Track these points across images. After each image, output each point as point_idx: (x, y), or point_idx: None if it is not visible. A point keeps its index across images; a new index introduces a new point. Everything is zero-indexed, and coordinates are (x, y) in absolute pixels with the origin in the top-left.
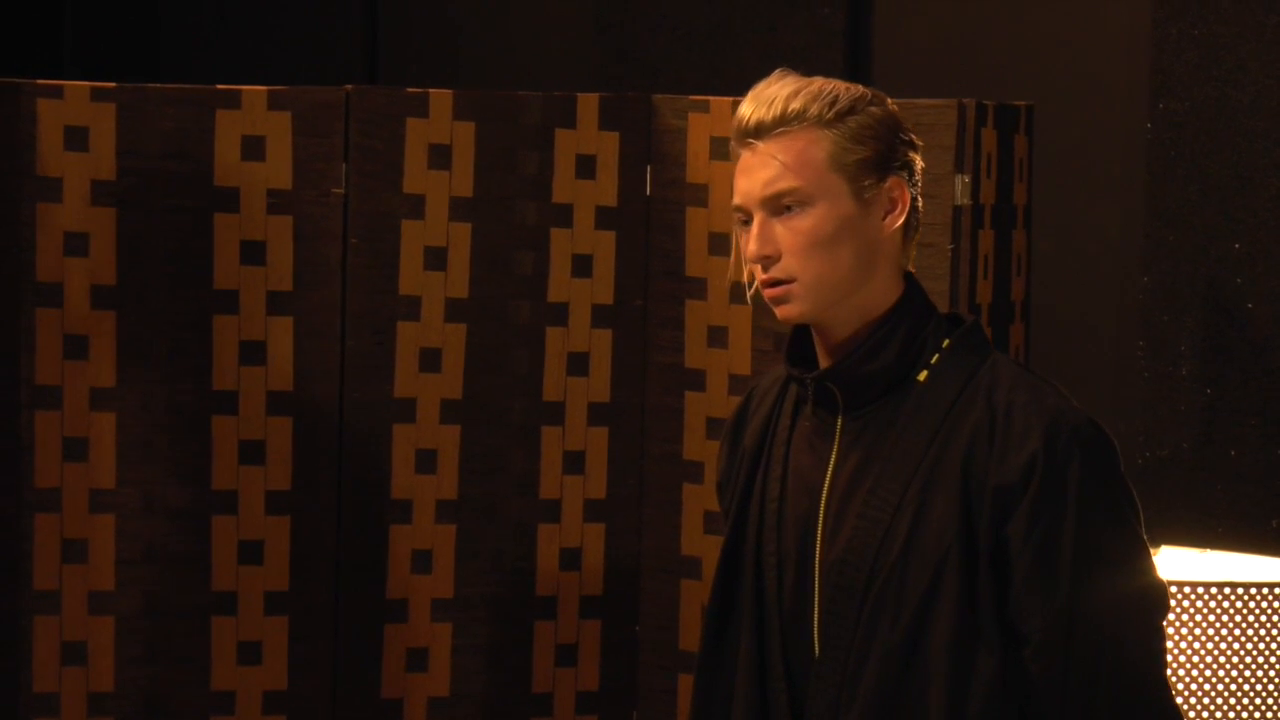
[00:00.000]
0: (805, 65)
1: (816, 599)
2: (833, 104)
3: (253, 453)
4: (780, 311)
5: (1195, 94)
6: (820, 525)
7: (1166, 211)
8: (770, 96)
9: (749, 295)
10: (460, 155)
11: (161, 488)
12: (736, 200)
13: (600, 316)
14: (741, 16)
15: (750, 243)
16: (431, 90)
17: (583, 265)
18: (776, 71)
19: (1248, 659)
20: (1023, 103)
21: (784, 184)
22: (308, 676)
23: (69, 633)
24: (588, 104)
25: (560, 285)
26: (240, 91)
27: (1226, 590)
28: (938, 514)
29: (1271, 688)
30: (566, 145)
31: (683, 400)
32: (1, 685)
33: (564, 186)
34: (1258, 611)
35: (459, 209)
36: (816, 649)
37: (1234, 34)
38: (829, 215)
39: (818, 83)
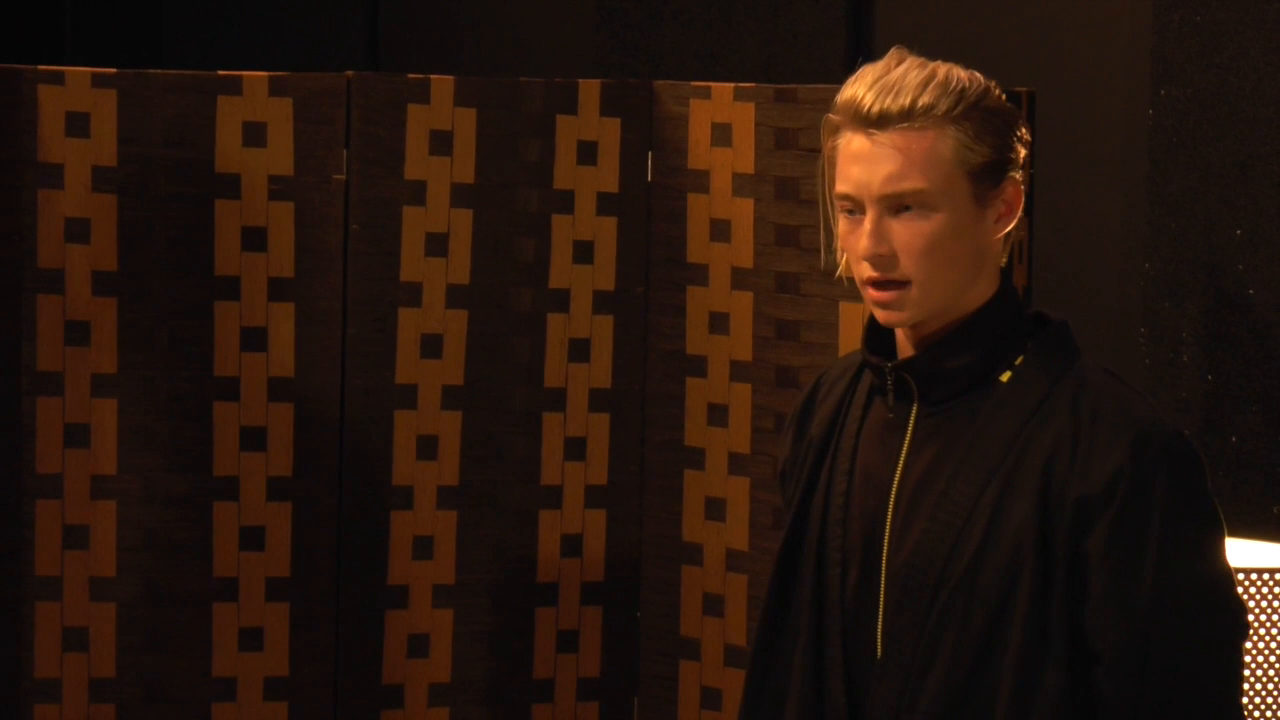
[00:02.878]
0: (807, 52)
1: (881, 599)
2: (960, 98)
3: (254, 439)
4: (886, 316)
5: (1197, 81)
6: (889, 524)
7: (1168, 198)
8: (894, 84)
9: (840, 275)
10: (462, 142)
11: (163, 474)
12: (847, 189)
13: (601, 303)
14: (743, 3)
15: (863, 239)
16: (433, 76)
17: (584, 252)
18: (893, 52)
19: (1249, 645)
20: (1024, 89)
21: (909, 184)
22: (309, 663)
23: (70, 619)
24: (589, 90)
25: (561, 272)
26: (241, 78)
27: None
28: (1014, 521)
29: (1274, 673)
30: (568, 131)
31: (684, 386)
32: (3, 671)
33: (565, 173)
34: (1259, 598)
35: (460, 195)
36: (879, 650)
37: (1235, 21)
38: (951, 219)
39: (942, 71)
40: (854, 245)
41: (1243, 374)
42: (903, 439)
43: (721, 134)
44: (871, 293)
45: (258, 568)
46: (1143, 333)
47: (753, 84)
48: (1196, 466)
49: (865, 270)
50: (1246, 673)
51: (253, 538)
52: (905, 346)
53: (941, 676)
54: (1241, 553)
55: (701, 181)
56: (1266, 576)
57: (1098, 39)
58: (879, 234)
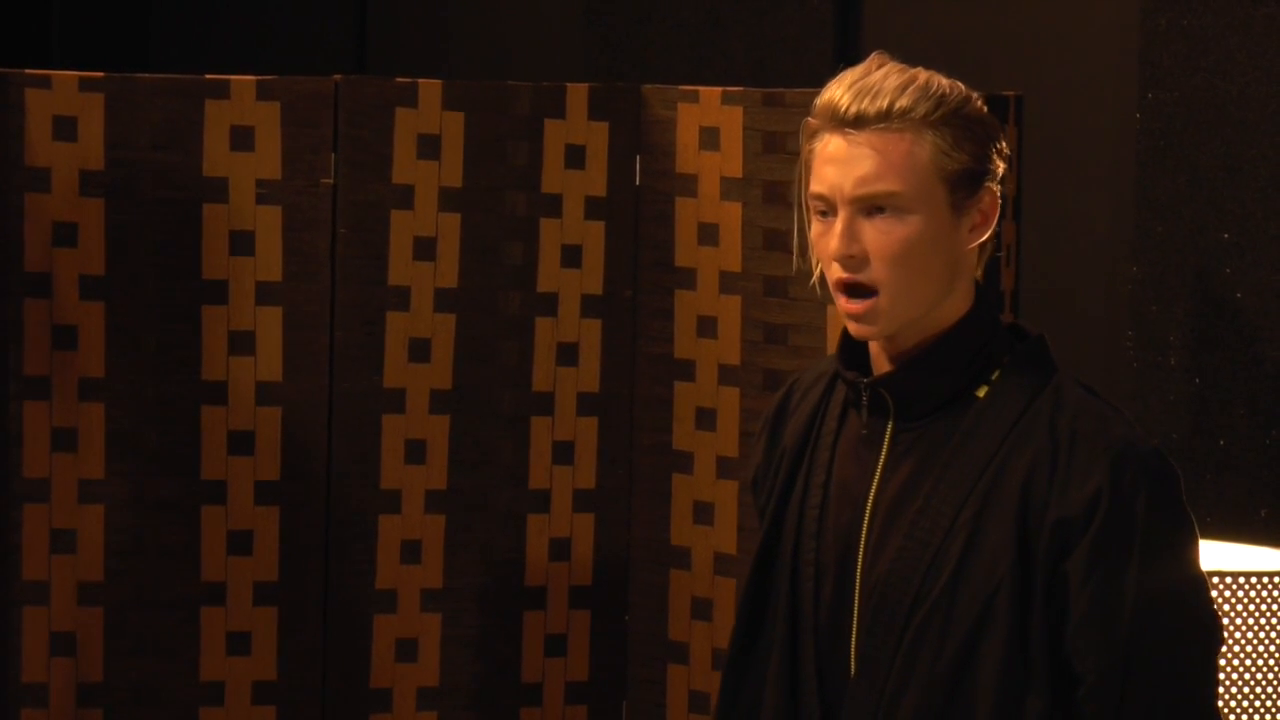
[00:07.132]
0: (794, 56)
1: (855, 617)
2: (940, 103)
3: (242, 443)
4: (859, 329)
5: (1184, 85)
6: (863, 540)
7: (1155, 202)
8: (874, 87)
9: (814, 283)
10: (449, 145)
11: (150, 478)
12: (821, 189)
13: (590, 307)
14: (730, 6)
15: (834, 240)
16: (421, 80)
17: (572, 255)
18: (874, 56)
19: (1236, 648)
20: (1011, 93)
21: (883, 185)
22: (297, 667)
23: (58, 623)
24: (577, 94)
25: (550, 275)
26: (229, 81)
27: (1215, 579)
28: (992, 542)
29: (1260, 676)
30: (556, 135)
31: (672, 390)
32: None
33: (553, 177)
34: (1246, 600)
35: (448, 199)
36: (852, 668)
37: (1222, 25)
38: (926, 225)
39: (922, 77)
40: (825, 247)
41: (1230, 378)
42: (879, 453)
43: (709, 138)
44: (844, 304)
45: (246, 572)
46: (1130, 336)
47: (740, 88)
48: (1174, 483)
49: (835, 271)
50: (1238, 676)
51: (241, 542)
52: (881, 361)
53: (916, 701)
54: (1229, 556)
55: (689, 185)
56: (1255, 580)
57: (1085, 42)
58: (850, 234)
